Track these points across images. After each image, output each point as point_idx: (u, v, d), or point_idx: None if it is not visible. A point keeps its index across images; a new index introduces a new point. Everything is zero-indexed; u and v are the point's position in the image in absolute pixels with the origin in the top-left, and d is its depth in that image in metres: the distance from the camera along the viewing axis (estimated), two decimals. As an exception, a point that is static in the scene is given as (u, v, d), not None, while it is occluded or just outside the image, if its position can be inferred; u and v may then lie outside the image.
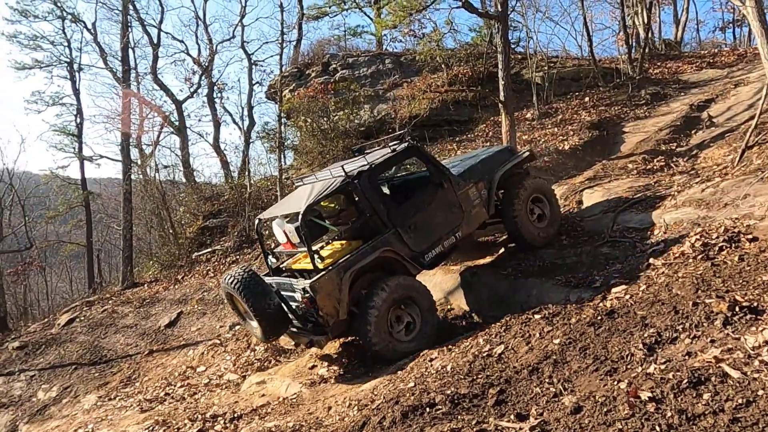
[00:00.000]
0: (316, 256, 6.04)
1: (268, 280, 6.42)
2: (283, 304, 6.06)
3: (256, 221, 7.11)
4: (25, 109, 29.41)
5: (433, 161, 6.74)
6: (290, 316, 6.12)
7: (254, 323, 6.06)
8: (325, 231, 6.83)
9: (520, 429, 3.38)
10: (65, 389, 9.34)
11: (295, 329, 6.30)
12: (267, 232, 10.53)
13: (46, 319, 14.23)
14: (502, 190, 7.32)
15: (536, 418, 3.48)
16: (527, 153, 7.62)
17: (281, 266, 7.03)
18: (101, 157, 20.12)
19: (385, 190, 6.99)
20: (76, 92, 20.02)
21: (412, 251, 6.23)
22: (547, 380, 4.00)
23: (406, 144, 6.61)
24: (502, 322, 5.35)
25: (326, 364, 6.76)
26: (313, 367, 6.80)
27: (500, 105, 10.81)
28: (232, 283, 5.94)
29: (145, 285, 14.34)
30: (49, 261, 25.06)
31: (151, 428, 6.12)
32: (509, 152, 7.63)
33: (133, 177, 17.47)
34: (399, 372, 5.27)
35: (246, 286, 5.84)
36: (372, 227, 6.23)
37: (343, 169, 6.15)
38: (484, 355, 4.84)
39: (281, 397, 6.21)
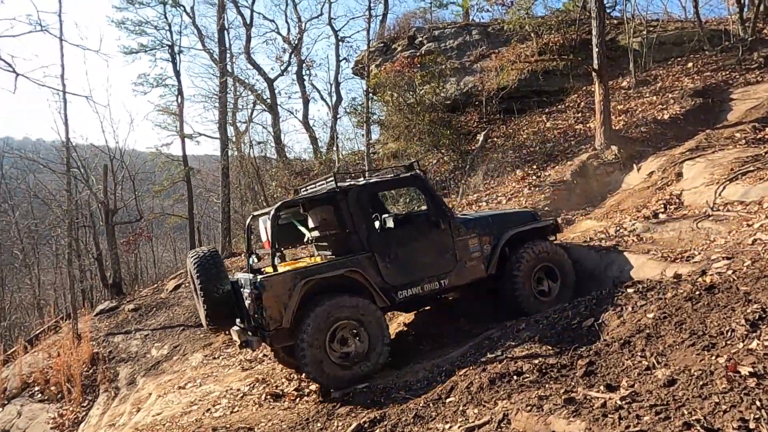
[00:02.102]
0: (277, 257, 5.73)
1: (239, 275, 6.22)
2: (237, 299, 5.81)
3: (249, 218, 6.63)
4: (132, 91, 31.64)
5: (434, 196, 6.26)
6: (238, 312, 5.84)
7: (200, 305, 5.83)
8: (302, 236, 6.40)
9: (610, 399, 3.38)
10: (175, 348, 10.22)
11: (239, 326, 5.94)
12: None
13: (155, 285, 15.50)
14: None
15: (627, 390, 3.46)
16: (550, 222, 6.89)
17: (261, 267, 6.46)
18: (200, 135, 21.31)
19: (390, 223, 6.35)
20: (177, 74, 21.20)
21: (384, 282, 5.72)
22: (639, 353, 3.94)
23: (410, 173, 6.22)
24: (592, 296, 5.28)
25: (413, 332, 6.96)
26: (401, 333, 7.02)
27: (594, 73, 10.39)
28: (192, 258, 5.80)
29: (242, 255, 15.22)
30: (155, 232, 27.05)
31: (252, 385, 6.62)
32: (531, 216, 6.89)
33: (229, 153, 18.43)
34: (486, 342, 5.35)
35: (202, 264, 5.61)
36: (350, 246, 5.84)
37: (336, 180, 5.89)
38: (573, 327, 4.83)
39: (371, 362, 6.48)
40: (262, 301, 5.21)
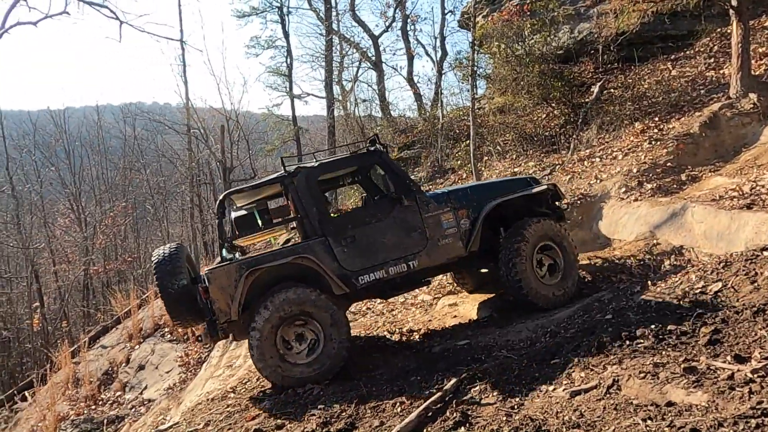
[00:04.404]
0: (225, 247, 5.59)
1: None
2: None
3: (221, 195, 6.07)
4: (245, 53, 33.05)
5: (398, 172, 5.78)
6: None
7: None
8: (264, 223, 5.94)
9: (739, 371, 3.05)
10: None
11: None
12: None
13: (268, 239, 16.34)
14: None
15: (759, 362, 3.11)
16: (545, 187, 6.07)
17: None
18: (308, 94, 21.81)
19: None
20: (286, 34, 21.68)
21: (342, 268, 5.34)
22: (775, 323, 3.52)
23: (367, 148, 5.76)
24: (721, 259, 4.79)
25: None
26: (503, 294, 6.84)
27: (731, 11, 9.20)
28: (153, 257, 5.67)
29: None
30: (268, 189, 28.41)
31: (356, 336, 6.80)
32: (526, 183, 6.17)
33: (335, 112, 18.72)
34: (596, 304, 5.06)
35: (160, 262, 5.46)
36: (305, 231, 5.56)
37: (283, 163, 5.62)
38: (697, 292, 4.42)
39: (472, 320, 6.42)
40: (210, 294, 5.07)
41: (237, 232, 5.72)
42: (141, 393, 9.60)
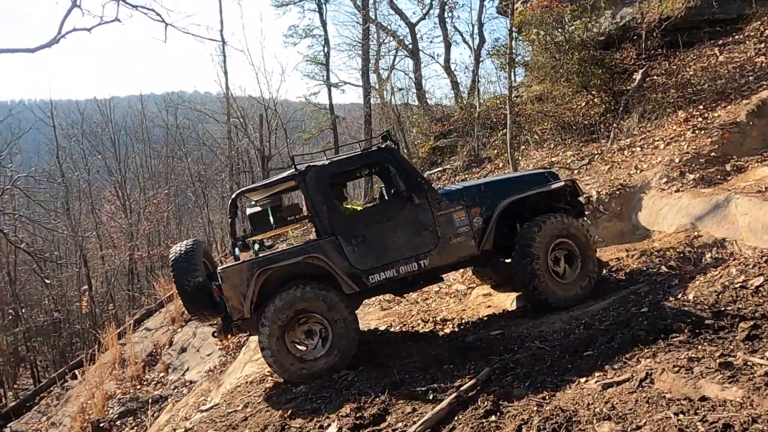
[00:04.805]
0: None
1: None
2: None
3: (233, 196, 6.11)
4: (283, 43, 33.31)
5: (409, 170, 5.67)
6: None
7: None
8: (279, 222, 5.93)
9: (776, 367, 3.01)
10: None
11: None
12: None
13: (305, 227, 16.60)
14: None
15: (799, 359, 3.05)
16: (562, 183, 5.86)
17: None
18: (345, 83, 21.91)
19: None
20: (323, 23, 21.78)
21: (352, 267, 5.32)
22: (818, 319, 3.44)
23: (377, 146, 5.73)
24: (764, 252, 4.67)
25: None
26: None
27: (783, -6, 8.82)
28: (170, 255, 5.76)
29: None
30: (305, 178, 28.71)
31: (390, 324, 6.91)
32: (544, 178, 6.01)
33: (372, 101, 18.78)
34: (632, 296, 5.02)
35: (177, 258, 5.54)
36: (317, 229, 5.59)
37: (293, 162, 5.60)
38: (737, 286, 4.33)
39: (506, 310, 6.43)
40: (223, 292, 5.18)
41: (252, 229, 5.85)
42: (183, 374, 9.96)
